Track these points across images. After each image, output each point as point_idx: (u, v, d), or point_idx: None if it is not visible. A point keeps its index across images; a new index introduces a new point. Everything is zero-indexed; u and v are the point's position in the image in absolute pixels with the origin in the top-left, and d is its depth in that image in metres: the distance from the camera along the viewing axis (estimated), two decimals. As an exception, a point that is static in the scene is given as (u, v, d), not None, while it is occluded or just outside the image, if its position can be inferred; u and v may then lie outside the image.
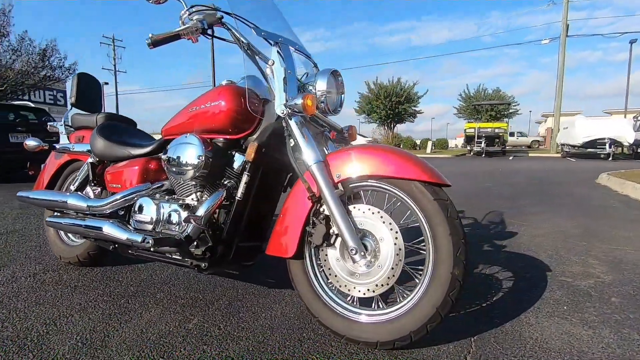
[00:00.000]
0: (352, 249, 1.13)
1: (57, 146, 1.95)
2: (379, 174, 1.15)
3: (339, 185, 1.22)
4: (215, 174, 1.40)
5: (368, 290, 1.15)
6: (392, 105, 24.65)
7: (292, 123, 1.25)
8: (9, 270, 1.86)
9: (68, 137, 1.98)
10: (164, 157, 1.43)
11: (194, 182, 1.41)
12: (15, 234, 2.60)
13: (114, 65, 38.51)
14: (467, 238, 1.11)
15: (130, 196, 1.50)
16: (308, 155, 1.21)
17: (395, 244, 1.13)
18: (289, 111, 1.25)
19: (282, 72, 1.28)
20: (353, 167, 1.19)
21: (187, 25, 1.25)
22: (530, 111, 60.47)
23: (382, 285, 1.13)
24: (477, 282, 1.74)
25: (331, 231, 1.20)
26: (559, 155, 16.46)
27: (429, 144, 23.67)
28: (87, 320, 1.35)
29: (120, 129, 1.79)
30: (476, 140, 16.86)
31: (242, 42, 1.31)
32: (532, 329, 1.30)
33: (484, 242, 2.46)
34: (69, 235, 1.94)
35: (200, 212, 1.31)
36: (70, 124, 2.00)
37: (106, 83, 40.87)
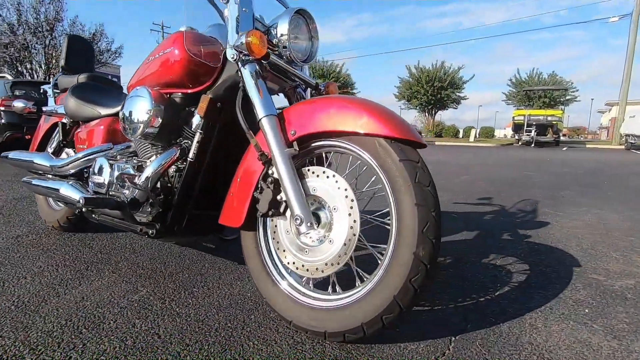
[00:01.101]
0: (296, 218, 0.93)
1: (44, 109, 1.91)
2: (338, 129, 0.93)
3: (294, 143, 1.01)
4: (171, 133, 1.25)
5: (317, 269, 0.95)
6: (434, 91, 23.48)
7: (245, 71, 1.06)
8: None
9: (55, 100, 1.93)
10: (120, 114, 1.30)
11: (151, 142, 1.28)
12: (25, 199, 2.67)
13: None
14: (439, 211, 0.86)
15: (90, 156, 1.40)
16: (258, 108, 1.02)
17: (349, 214, 0.91)
18: (240, 55, 1.05)
19: (235, 10, 1.08)
20: (311, 122, 0.98)
21: None
22: (592, 99, 55.14)
23: (333, 264, 0.92)
24: (479, 272, 1.47)
25: (279, 197, 1.00)
26: (623, 147, 14.78)
27: (472, 132, 22.32)
28: (37, 283, 1.27)
29: (97, 88, 1.69)
30: (525, 128, 15.57)
31: None
32: (535, 333, 1.03)
33: (506, 230, 2.14)
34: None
35: (146, 173, 1.17)
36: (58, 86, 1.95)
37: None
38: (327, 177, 0.96)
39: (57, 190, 1.36)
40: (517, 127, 16.57)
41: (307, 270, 0.96)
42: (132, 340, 0.95)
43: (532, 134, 15.29)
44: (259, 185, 1.03)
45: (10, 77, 8.59)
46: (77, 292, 1.22)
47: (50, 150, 1.75)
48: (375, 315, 0.85)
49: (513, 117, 17.10)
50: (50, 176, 1.59)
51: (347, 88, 24.88)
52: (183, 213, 1.22)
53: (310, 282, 1.05)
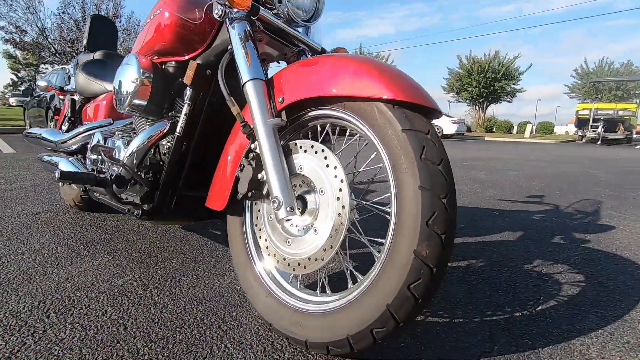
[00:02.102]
0: (273, 200, 0.76)
1: (66, 88, 1.92)
2: (331, 93, 0.75)
3: (282, 113, 0.85)
4: (162, 105, 1.14)
5: (299, 265, 0.78)
6: (487, 83, 22.00)
7: (232, 31, 0.91)
8: (22, 207, 1.91)
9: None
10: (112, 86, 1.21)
11: (144, 116, 1.18)
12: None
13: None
14: (453, 197, 0.66)
15: (89, 132, 1.33)
16: (243, 71, 0.86)
17: (338, 198, 0.73)
18: (225, 11, 0.90)
19: (223, -42, 0.93)
20: (301, 86, 0.81)
21: None
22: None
23: (317, 259, 0.75)
24: (518, 281, 1.21)
25: (260, 176, 0.84)
26: None
27: (528, 127, 20.64)
28: (30, 261, 1.24)
29: (107, 65, 1.64)
30: (591, 124, 14.07)
31: None
32: (585, 366, 0.79)
33: (557, 233, 1.82)
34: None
35: (130, 149, 1.07)
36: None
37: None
38: (316, 152, 0.78)
39: (56, 165, 1.32)
40: (581, 123, 15.02)
41: (289, 265, 0.80)
42: (95, 330, 0.85)
43: (599, 130, 13.78)
44: (242, 163, 0.88)
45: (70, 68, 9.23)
46: (64, 272, 1.16)
47: (64, 127, 1.74)
48: (363, 327, 0.67)
49: (577, 112, 15.53)
50: (62, 153, 1.57)
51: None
52: (172, 193, 1.10)
53: (299, 278, 0.89)
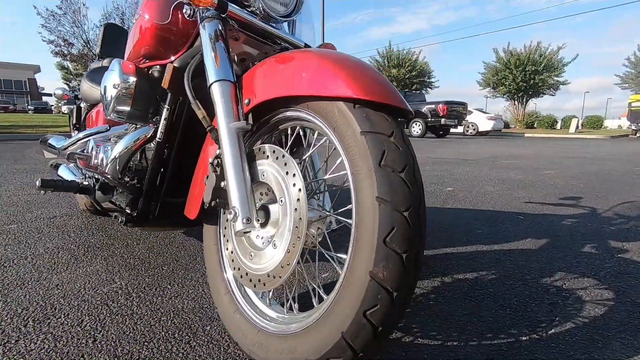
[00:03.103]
0: (230, 211, 0.70)
1: (79, 95, 1.98)
2: (294, 93, 0.68)
3: (249, 116, 0.79)
4: (146, 110, 1.12)
5: (259, 281, 0.71)
6: (526, 76, 20.79)
7: (202, 31, 0.86)
8: (41, 211, 1.99)
9: (88, 86, 1.99)
10: None
11: (131, 122, 1.16)
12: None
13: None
14: (420, 210, 0.56)
15: (86, 138, 1.35)
16: (210, 72, 0.81)
17: (296, 209, 0.66)
18: (194, 10, 0.86)
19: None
20: (267, 86, 0.74)
21: None
22: None
23: (274, 277, 0.68)
24: (531, 297, 1.08)
25: (222, 184, 0.78)
26: None
27: (573, 122, 19.26)
28: (30, 265, 1.27)
29: (112, 71, 1.66)
30: (645, 116, 12.89)
31: None
32: (598, 408, 0.66)
33: (590, 240, 1.62)
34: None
35: (113, 155, 1.05)
36: (93, 73, 2.00)
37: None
38: (277, 158, 0.71)
39: (57, 171, 1.34)
40: (635, 116, 13.81)
41: (251, 280, 0.73)
42: (65, 342, 0.84)
43: (655, 123, 12.58)
44: (209, 170, 0.83)
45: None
46: (57, 278, 1.17)
47: (73, 134, 1.79)
48: (319, 356, 0.59)
49: (629, 104, 14.30)
50: (65, 159, 1.61)
51: (425, 77, 23.48)
52: (155, 200, 1.08)
53: (269, 294, 0.82)
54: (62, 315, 0.95)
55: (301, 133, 0.80)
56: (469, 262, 1.37)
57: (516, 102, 22.84)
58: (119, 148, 1.06)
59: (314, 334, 0.61)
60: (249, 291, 0.83)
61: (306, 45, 1.03)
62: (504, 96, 22.97)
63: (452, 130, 14.39)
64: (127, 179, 1.08)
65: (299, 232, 0.64)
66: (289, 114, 0.76)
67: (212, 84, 0.80)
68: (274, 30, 0.95)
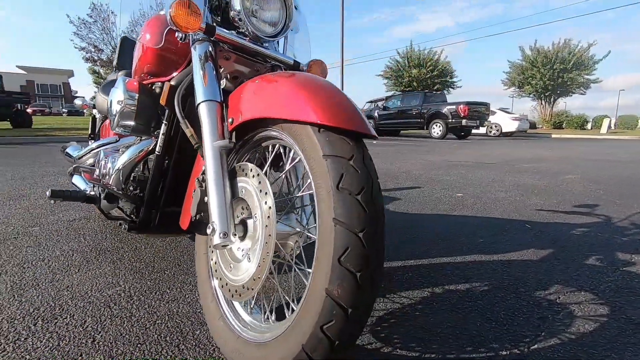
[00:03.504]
0: (209, 226, 0.75)
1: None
2: (269, 115, 0.72)
3: (233, 134, 0.84)
4: (149, 124, 1.19)
5: (236, 292, 0.76)
6: (554, 74, 20.02)
7: (193, 52, 0.92)
8: (63, 214, 2.13)
9: (106, 97, 2.11)
10: None
11: (136, 135, 1.24)
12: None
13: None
14: (376, 231, 0.59)
15: (97, 149, 1.44)
16: (198, 93, 0.87)
17: (266, 225, 0.70)
18: (183, 33, 0.91)
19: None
20: (248, 106, 0.79)
21: None
22: None
23: (248, 288, 0.72)
24: (521, 311, 1.07)
25: (206, 199, 0.83)
26: None
27: (605, 122, 18.38)
28: (45, 267, 1.37)
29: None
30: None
31: None
32: None
33: (599, 251, 1.58)
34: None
35: (117, 166, 1.13)
36: (110, 84, 2.12)
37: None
38: (253, 176, 0.76)
39: (71, 180, 1.44)
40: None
41: (229, 291, 0.78)
42: (67, 341, 0.91)
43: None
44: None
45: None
46: (68, 280, 1.26)
47: (90, 143, 1.90)
48: (284, 365, 0.63)
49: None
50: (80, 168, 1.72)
51: (446, 77, 23.03)
52: (155, 209, 1.15)
53: (251, 302, 0.87)
54: (68, 316, 1.03)
55: (282, 150, 0.84)
56: (464, 272, 1.36)
57: (543, 102, 22.03)
58: (123, 159, 1.14)
59: (281, 345, 0.65)
60: (234, 300, 0.88)
61: (295, 63, 1.07)
62: (530, 95, 22.22)
63: (474, 131, 14.07)
64: (130, 188, 1.15)
65: (268, 248, 0.68)
66: (268, 133, 0.80)
67: (199, 103, 0.85)
68: (263, 50, 1.00)
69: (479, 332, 0.97)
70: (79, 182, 1.38)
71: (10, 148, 6.69)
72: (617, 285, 1.26)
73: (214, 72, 0.90)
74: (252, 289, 0.71)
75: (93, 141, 1.79)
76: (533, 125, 22.14)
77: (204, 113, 0.84)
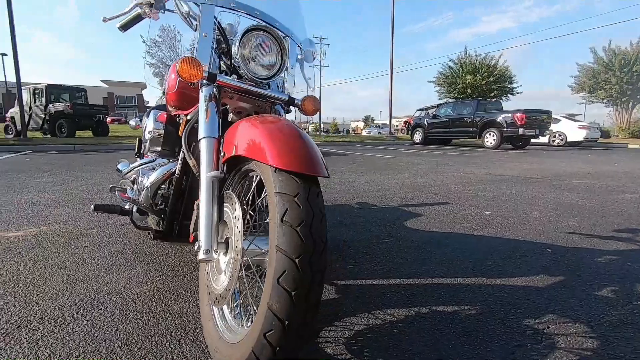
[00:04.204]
0: (195, 243, 0.91)
1: (148, 125, 2.43)
2: (244, 154, 0.87)
3: (224, 166, 1.00)
4: (173, 149, 1.41)
5: (216, 299, 0.91)
6: (633, 78, 17.99)
7: (201, 94, 1.11)
8: (118, 219, 2.47)
9: (155, 119, 2.43)
10: None
11: (161, 158, 1.47)
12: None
13: (320, 61, 44.43)
14: (312, 259, 0.71)
15: (139, 167, 1.70)
16: (200, 130, 1.05)
17: (236, 246, 0.84)
18: (191, 81, 1.10)
19: (197, 35, 1.14)
20: (234, 143, 0.95)
21: (135, 3, 1.27)
22: None
23: (224, 297, 0.87)
24: (499, 337, 1.09)
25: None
26: None
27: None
28: (95, 265, 1.64)
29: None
30: None
31: (181, 10, 1.24)
32: None
33: (618, 282, 1.51)
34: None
35: (147, 184, 1.35)
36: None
37: (309, 78, 48.26)
38: (232, 203, 0.91)
39: (115, 195, 1.72)
40: None
41: (213, 298, 0.94)
42: (98, 328, 1.13)
43: None
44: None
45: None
46: (109, 277, 1.52)
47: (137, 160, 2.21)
48: (242, 364, 0.76)
49: None
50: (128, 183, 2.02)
51: (505, 83, 21.77)
52: (174, 222, 1.36)
53: (237, 308, 1.02)
54: (103, 308, 1.26)
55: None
56: (458, 294, 1.39)
57: (619, 108, 19.85)
58: (152, 178, 1.36)
59: (241, 347, 0.78)
60: (225, 306, 1.03)
61: (290, 98, 1.21)
62: (604, 101, 20.13)
63: (534, 140, 13.15)
64: (157, 203, 1.38)
65: (236, 264, 0.83)
66: (250, 166, 0.95)
67: (200, 139, 1.03)
68: (260, 91, 1.15)
69: (448, 353, 1.03)
70: (117, 197, 1.65)
71: (91, 155, 7.68)
72: (620, 320, 1.22)
73: (216, 111, 1.08)
74: (225, 298, 0.86)
75: (139, 159, 2.10)
76: (606, 134, 20.04)
77: (203, 147, 1.01)
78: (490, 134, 12.34)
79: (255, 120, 0.91)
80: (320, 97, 43.05)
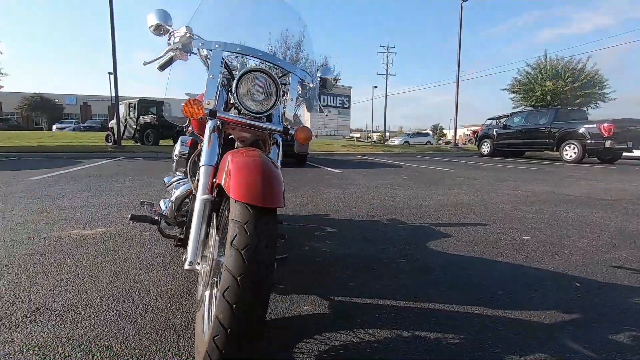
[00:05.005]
0: (183, 254, 1.09)
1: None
2: (222, 183, 1.04)
3: (216, 190, 1.17)
4: (196, 170, 1.64)
5: (198, 300, 1.07)
6: None
7: (207, 126, 1.30)
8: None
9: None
10: None
11: (187, 176, 1.72)
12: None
13: (386, 70, 44.20)
14: (252, 277, 0.83)
15: (176, 182, 1.98)
16: (202, 157, 1.24)
17: (212, 255, 1.00)
18: (194, 118, 1.31)
19: (208, 77, 1.34)
20: (222, 171, 1.12)
21: (169, 47, 1.53)
22: None
23: (200, 302, 1.03)
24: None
25: (199, 237, 1.18)
26: None
27: None
28: (138, 264, 1.95)
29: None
30: None
31: (201, 53, 1.46)
32: None
33: (622, 328, 1.36)
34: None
35: (172, 198, 1.60)
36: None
37: (375, 87, 47.61)
38: (214, 226, 1.07)
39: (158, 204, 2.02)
40: None
41: (198, 301, 1.10)
42: (123, 317, 1.38)
43: None
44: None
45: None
46: (144, 276, 1.79)
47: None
48: (200, 360, 0.91)
49: None
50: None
51: (594, 88, 19.39)
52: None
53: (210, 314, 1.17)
54: (132, 302, 1.52)
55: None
56: (449, 322, 1.39)
57: None
58: (176, 194, 1.60)
59: (205, 346, 0.93)
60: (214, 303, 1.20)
61: (285, 128, 1.35)
62: None
63: (627, 154, 11.50)
64: (180, 215, 1.61)
65: (207, 275, 0.98)
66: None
67: (200, 166, 1.22)
68: (254, 123, 1.30)
69: (411, 378, 1.06)
70: (161, 205, 1.94)
71: (167, 162, 8.68)
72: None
73: (217, 141, 1.26)
74: (201, 303, 1.02)
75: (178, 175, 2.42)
76: None
77: (201, 174, 1.20)
78: (569, 147, 11.14)
79: (234, 154, 1.06)
80: (385, 106, 42.62)
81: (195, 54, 1.53)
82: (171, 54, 1.53)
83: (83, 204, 3.45)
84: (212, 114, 1.25)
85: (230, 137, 1.47)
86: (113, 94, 13.55)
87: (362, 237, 2.53)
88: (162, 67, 1.62)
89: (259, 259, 0.85)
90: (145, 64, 1.62)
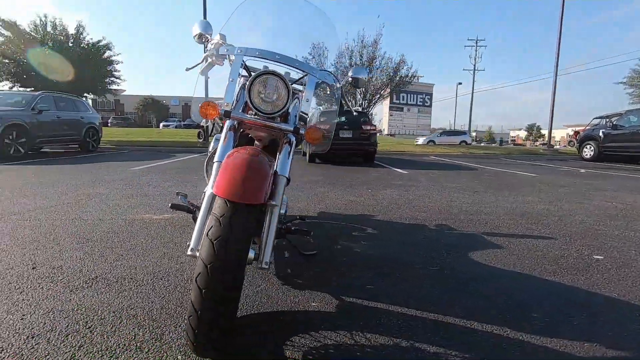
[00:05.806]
0: (188, 244, 1.20)
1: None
2: None
3: (222, 186, 1.28)
4: None
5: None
6: None
7: (225, 125, 1.42)
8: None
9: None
10: None
11: None
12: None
13: (474, 65, 41.02)
14: (218, 265, 0.90)
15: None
16: (217, 154, 1.36)
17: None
18: (209, 119, 1.42)
19: (228, 80, 1.45)
20: None
21: (206, 54, 1.70)
22: None
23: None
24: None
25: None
26: None
27: None
28: (174, 261, 2.19)
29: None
30: None
31: (230, 58, 1.59)
32: None
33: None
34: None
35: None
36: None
37: (460, 83, 44.46)
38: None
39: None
40: None
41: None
42: (148, 306, 1.58)
43: None
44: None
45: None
46: (182, 260, 2.01)
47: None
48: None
49: None
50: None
51: None
52: None
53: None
54: (165, 280, 1.72)
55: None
56: (461, 337, 1.29)
57: None
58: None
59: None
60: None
61: (295, 128, 1.39)
62: None
63: None
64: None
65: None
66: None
67: (213, 162, 1.34)
68: (266, 123, 1.37)
69: (391, 388, 1.02)
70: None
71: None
72: None
73: (233, 139, 1.37)
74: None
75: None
76: None
77: (213, 169, 1.31)
78: None
79: (230, 153, 1.15)
80: (471, 103, 39.57)
81: (226, 59, 1.66)
82: (209, 59, 1.68)
83: (162, 192, 3.96)
84: (227, 114, 1.36)
85: (249, 136, 1.57)
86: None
87: (400, 240, 2.45)
88: (203, 72, 1.79)
89: (229, 249, 0.91)
90: (187, 69, 1.81)
